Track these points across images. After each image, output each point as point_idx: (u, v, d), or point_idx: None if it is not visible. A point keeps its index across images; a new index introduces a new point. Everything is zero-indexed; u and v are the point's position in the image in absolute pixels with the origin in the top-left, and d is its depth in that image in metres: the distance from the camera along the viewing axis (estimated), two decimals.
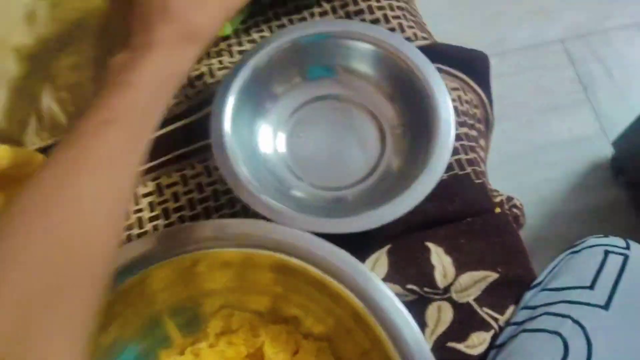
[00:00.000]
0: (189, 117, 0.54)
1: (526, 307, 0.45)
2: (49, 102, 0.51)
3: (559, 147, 1.09)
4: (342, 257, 0.40)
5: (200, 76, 0.55)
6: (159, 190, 0.52)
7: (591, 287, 0.43)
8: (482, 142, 0.60)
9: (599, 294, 0.42)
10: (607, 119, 1.12)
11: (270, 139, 0.52)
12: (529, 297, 0.46)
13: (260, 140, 0.51)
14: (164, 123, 0.54)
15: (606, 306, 0.41)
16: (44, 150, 0.51)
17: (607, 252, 0.45)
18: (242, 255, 0.41)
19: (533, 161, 1.06)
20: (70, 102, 0.51)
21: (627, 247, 0.45)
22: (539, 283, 0.46)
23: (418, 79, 0.49)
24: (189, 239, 0.41)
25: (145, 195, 0.52)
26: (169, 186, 0.52)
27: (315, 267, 0.40)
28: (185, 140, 0.54)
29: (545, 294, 0.45)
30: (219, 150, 0.47)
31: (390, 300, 0.38)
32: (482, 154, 0.58)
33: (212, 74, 0.55)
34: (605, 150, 1.07)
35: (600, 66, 1.17)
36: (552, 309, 0.43)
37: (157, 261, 0.40)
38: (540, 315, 0.43)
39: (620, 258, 0.44)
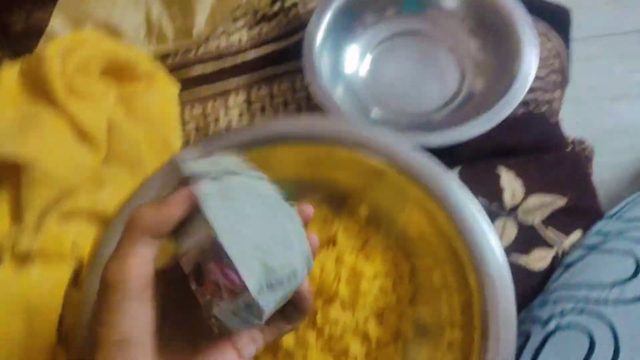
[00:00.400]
0: (282, 40, 0.59)
1: (598, 234, 0.47)
2: (159, 13, 0.56)
3: (628, 134, 1.07)
4: (426, 162, 0.43)
5: (295, 5, 0.59)
6: (249, 102, 0.57)
7: None
8: (557, 93, 0.61)
9: None
10: None
11: (356, 62, 0.56)
12: (601, 225, 0.47)
13: (346, 63, 0.55)
14: (259, 44, 0.59)
15: None
16: None
17: None
18: (326, 150, 0.45)
19: (600, 145, 1.05)
20: (178, 16, 0.57)
21: None
22: (612, 215, 0.48)
23: (505, 16, 0.52)
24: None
25: (234, 107, 0.57)
26: (257, 100, 0.57)
27: (396, 167, 0.43)
28: (277, 61, 0.58)
29: (618, 223, 0.46)
30: (310, 68, 0.52)
31: (472, 205, 0.41)
32: (556, 104, 0.60)
33: (305, 5, 0.59)
34: None
35: None
36: (626, 235, 0.44)
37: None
38: (612, 239, 0.45)
39: None
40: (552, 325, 0.40)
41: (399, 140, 0.43)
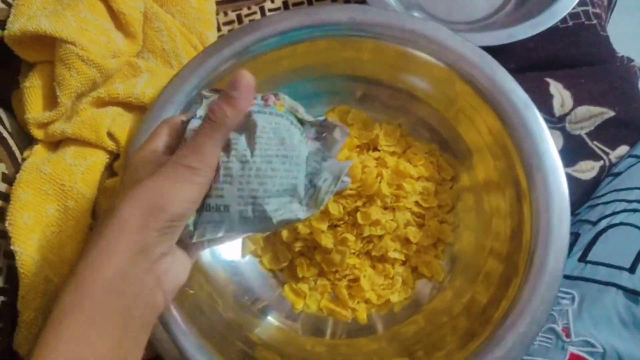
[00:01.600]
0: None
1: None
2: None
3: None
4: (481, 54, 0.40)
5: None
6: (239, 20, 0.54)
7: None
8: (604, 15, 0.59)
9: None
10: None
11: None
12: None
13: None
14: None
15: None
16: None
17: None
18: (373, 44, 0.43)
19: None
20: None
21: None
22: None
23: None
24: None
25: (225, 24, 0.54)
26: (247, 16, 0.54)
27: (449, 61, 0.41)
28: None
29: None
30: None
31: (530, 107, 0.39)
32: (604, 22, 0.58)
33: None
34: None
35: None
36: None
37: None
38: None
39: None
40: (603, 224, 0.39)
41: (453, 35, 0.41)
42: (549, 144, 0.37)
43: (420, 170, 0.44)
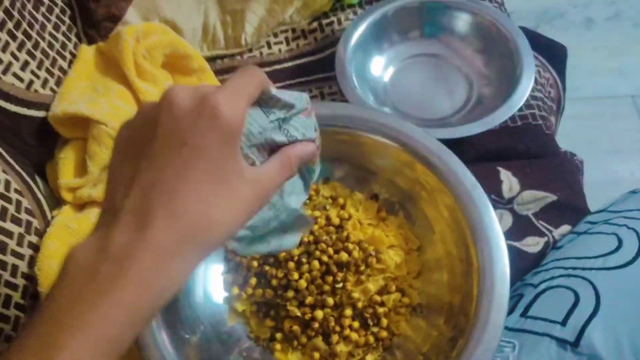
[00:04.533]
0: (317, 54, 0.68)
1: (586, 223, 0.53)
2: (215, 21, 0.66)
3: (620, 186, 1.15)
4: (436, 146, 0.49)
5: (330, 23, 0.69)
6: None
7: None
8: (552, 118, 0.70)
9: None
10: None
11: (380, 71, 0.65)
12: (589, 217, 0.54)
13: (372, 70, 0.64)
14: (296, 56, 0.68)
15: None
16: None
17: None
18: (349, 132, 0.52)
19: (593, 197, 1.13)
20: (230, 25, 0.66)
21: None
22: (599, 210, 0.55)
23: (507, 39, 0.61)
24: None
25: None
26: None
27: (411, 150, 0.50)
28: (309, 72, 0.67)
29: (605, 214, 0.53)
30: (341, 72, 0.60)
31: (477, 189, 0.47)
32: (552, 127, 0.68)
33: (339, 22, 0.69)
34: None
35: None
36: (611, 221, 0.51)
37: None
38: (599, 226, 0.51)
39: None
40: (542, 286, 0.46)
41: (417, 129, 0.50)
42: (492, 218, 0.45)
43: (391, 239, 0.51)
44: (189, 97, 0.25)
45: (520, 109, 0.61)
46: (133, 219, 0.24)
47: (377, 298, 0.47)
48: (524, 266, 0.52)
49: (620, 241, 0.47)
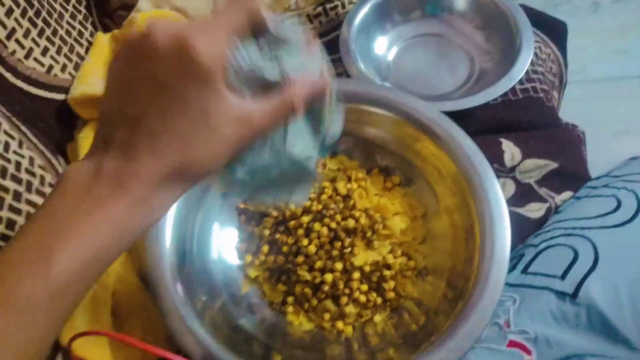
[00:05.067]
0: (323, 38, 0.70)
1: (587, 187, 0.55)
2: None
3: None
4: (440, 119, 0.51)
5: (334, 7, 0.71)
6: None
7: None
8: (554, 93, 0.71)
9: None
10: None
11: (384, 51, 0.67)
12: (590, 183, 0.55)
13: (376, 50, 0.66)
14: None
15: None
16: None
17: None
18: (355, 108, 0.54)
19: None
20: None
21: None
22: (600, 176, 0.56)
23: (506, 15, 0.63)
24: None
25: None
26: None
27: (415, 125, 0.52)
28: None
29: (606, 179, 0.54)
30: (346, 55, 0.62)
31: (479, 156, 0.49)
32: (554, 100, 0.70)
33: (343, 6, 0.71)
34: None
35: None
36: (611, 185, 0.52)
37: None
38: (599, 189, 0.53)
39: None
40: (543, 245, 0.48)
41: (419, 102, 0.52)
42: (494, 183, 0.47)
43: (396, 207, 0.54)
44: (168, 39, 0.25)
45: (522, 82, 0.63)
46: (121, 153, 0.26)
47: (384, 262, 0.49)
48: (527, 231, 0.53)
49: (619, 202, 0.49)
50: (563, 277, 0.43)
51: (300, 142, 0.31)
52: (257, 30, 0.29)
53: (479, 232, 0.46)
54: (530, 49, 0.60)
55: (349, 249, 0.49)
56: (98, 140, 0.28)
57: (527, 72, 0.60)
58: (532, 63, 0.62)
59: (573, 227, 0.48)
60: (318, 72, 0.30)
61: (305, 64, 0.30)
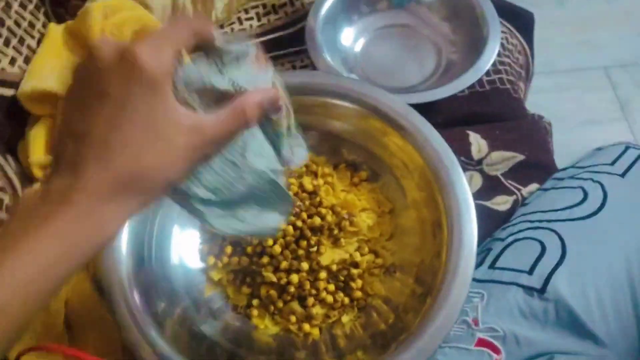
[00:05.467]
0: (288, 29, 0.68)
1: (554, 179, 0.54)
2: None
3: None
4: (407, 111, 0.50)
5: None
6: None
7: (612, 164, 0.52)
8: (521, 84, 0.71)
9: (618, 168, 0.51)
10: None
11: (350, 42, 0.65)
12: (556, 174, 0.55)
13: (343, 41, 0.65)
14: (267, 33, 0.68)
15: (622, 175, 0.50)
16: None
17: (627, 147, 0.54)
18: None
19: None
20: (199, 2, 0.66)
21: None
22: (566, 168, 0.56)
23: (473, 5, 0.62)
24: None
25: None
26: None
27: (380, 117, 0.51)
28: (281, 46, 0.67)
29: (572, 170, 0.54)
30: (312, 47, 0.61)
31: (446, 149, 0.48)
32: (520, 92, 0.69)
33: None
34: None
35: (638, 90, 1.27)
36: (577, 177, 0.52)
37: None
38: (566, 181, 0.52)
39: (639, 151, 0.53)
40: (510, 239, 0.47)
41: (385, 94, 0.51)
42: (460, 176, 0.46)
43: (363, 203, 0.52)
44: (112, 50, 0.26)
45: (489, 74, 0.62)
46: (68, 169, 0.26)
47: (351, 260, 0.48)
48: (494, 224, 0.53)
49: (585, 194, 0.49)
50: (531, 271, 0.43)
51: (262, 157, 0.31)
52: (206, 47, 0.29)
53: (446, 225, 0.45)
54: (497, 39, 0.60)
55: (315, 248, 0.47)
56: (53, 160, 0.27)
57: (494, 64, 0.60)
58: (498, 54, 0.62)
59: (540, 219, 0.48)
60: (270, 85, 0.31)
61: (255, 78, 0.30)
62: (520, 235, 0.47)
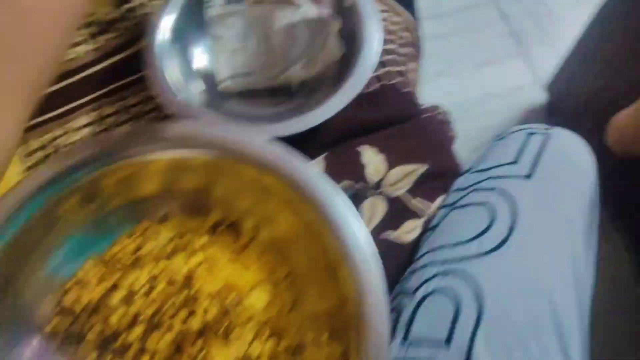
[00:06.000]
0: (126, 50, 0.56)
1: (457, 190, 0.48)
2: None
3: (496, 98, 1.15)
4: (279, 151, 0.41)
5: (132, 9, 0.56)
6: (100, 119, 0.53)
7: (515, 161, 0.46)
8: (411, 65, 0.63)
9: (523, 167, 0.45)
10: (540, 69, 1.18)
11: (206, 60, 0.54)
12: (459, 181, 0.49)
13: (197, 60, 0.54)
14: (103, 57, 0.55)
15: (529, 176, 0.45)
16: None
17: (530, 134, 0.49)
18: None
19: (471, 112, 1.11)
20: None
21: (549, 129, 0.49)
22: (468, 170, 0.50)
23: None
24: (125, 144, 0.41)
25: (86, 125, 0.53)
26: (109, 115, 0.53)
27: (251, 163, 0.42)
28: (125, 72, 0.55)
29: (474, 175, 0.48)
30: (155, 77, 0.49)
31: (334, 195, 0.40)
32: (412, 75, 0.62)
33: (143, 6, 0.56)
34: (540, 98, 1.13)
35: (531, 21, 1.24)
36: (480, 185, 0.46)
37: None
38: (469, 193, 0.46)
39: (543, 136, 0.48)
40: (419, 294, 0.41)
41: (253, 136, 0.42)
42: (348, 211, 0.38)
43: (254, 274, 0.44)
44: None
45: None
46: None
47: (250, 354, 0.40)
48: (403, 259, 0.46)
49: (492, 213, 0.43)
50: (448, 340, 0.37)
51: None
52: None
53: (349, 297, 0.38)
54: (377, 35, 0.50)
55: (203, 353, 0.39)
56: None
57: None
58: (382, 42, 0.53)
59: (448, 259, 0.42)
60: None
61: None
62: (430, 286, 0.40)
